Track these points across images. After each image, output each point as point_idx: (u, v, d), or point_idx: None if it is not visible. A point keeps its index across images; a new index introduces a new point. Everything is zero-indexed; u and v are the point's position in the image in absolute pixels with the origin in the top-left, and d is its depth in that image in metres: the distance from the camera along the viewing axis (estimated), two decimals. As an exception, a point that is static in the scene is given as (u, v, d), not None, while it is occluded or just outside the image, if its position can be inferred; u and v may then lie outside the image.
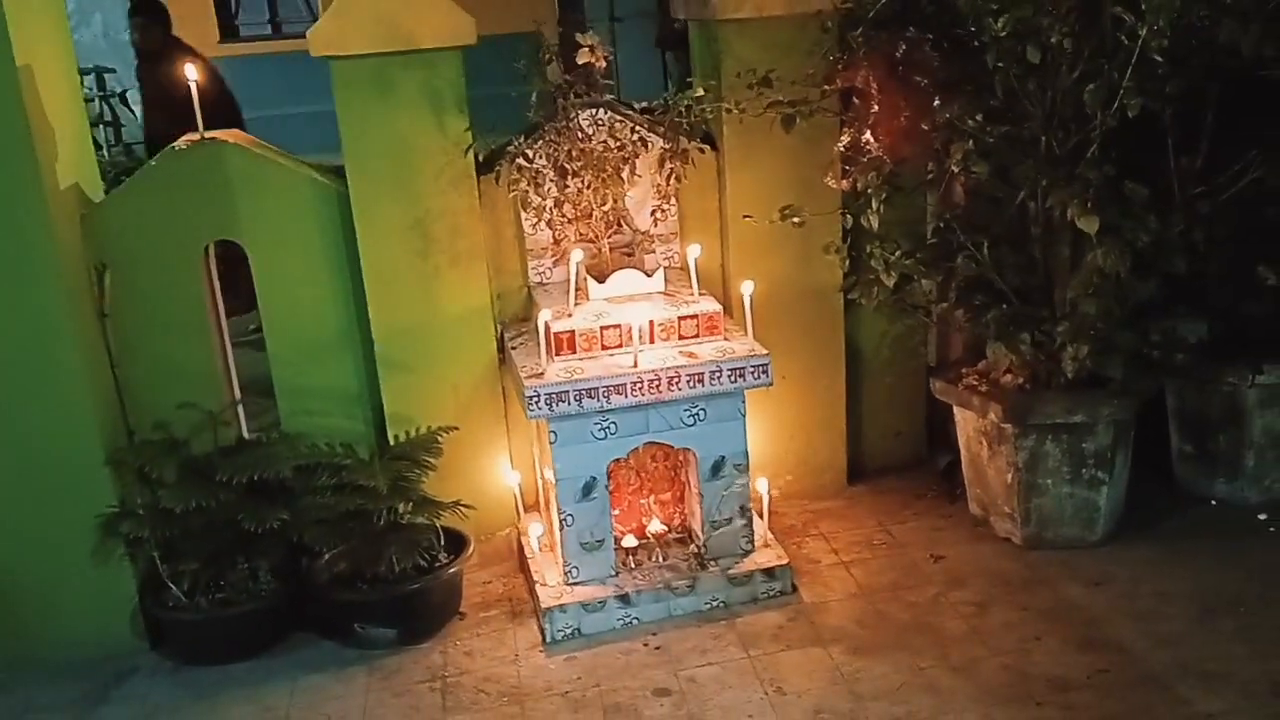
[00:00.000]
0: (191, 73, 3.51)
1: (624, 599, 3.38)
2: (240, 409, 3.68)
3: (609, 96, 3.54)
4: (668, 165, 3.55)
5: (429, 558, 3.43)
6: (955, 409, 3.80)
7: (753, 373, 3.31)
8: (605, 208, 3.55)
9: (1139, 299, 3.42)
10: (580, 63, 3.42)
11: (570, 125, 3.46)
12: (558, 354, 3.31)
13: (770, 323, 3.64)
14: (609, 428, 3.30)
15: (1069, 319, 3.42)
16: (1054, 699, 2.93)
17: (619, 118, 3.53)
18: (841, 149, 3.50)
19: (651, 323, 3.37)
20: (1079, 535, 3.64)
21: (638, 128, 3.55)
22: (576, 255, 3.47)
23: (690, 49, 3.92)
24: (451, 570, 3.47)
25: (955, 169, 3.38)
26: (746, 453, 3.44)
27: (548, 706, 3.06)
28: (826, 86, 3.46)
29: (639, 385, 3.24)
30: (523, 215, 3.59)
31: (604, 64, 3.44)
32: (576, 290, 3.45)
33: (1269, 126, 3.38)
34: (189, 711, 3.18)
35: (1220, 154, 3.44)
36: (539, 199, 3.52)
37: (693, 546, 3.58)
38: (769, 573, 3.48)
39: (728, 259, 3.82)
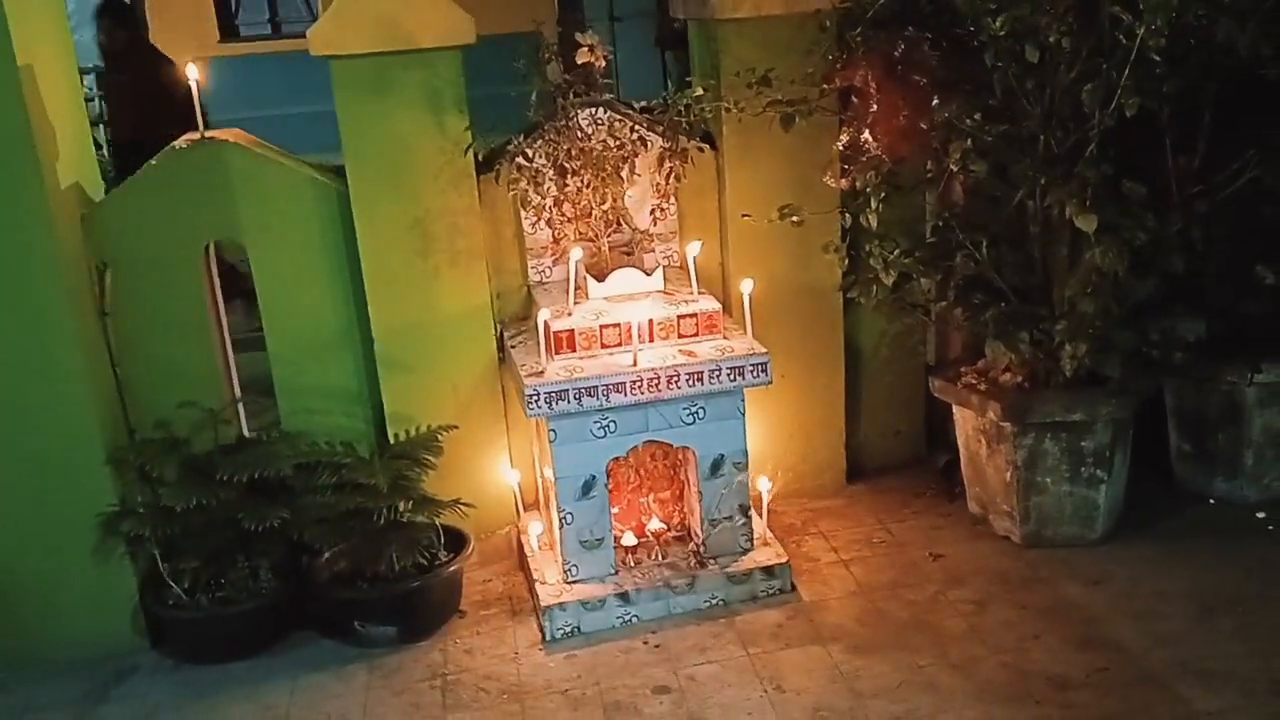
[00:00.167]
0: (192, 72, 3.52)
1: (623, 597, 3.39)
2: (240, 407, 3.69)
3: (608, 96, 3.54)
4: (667, 164, 3.56)
5: (429, 556, 3.44)
6: (954, 408, 3.80)
7: (752, 371, 3.31)
8: (605, 207, 3.56)
9: (1137, 298, 3.43)
10: (580, 62, 3.43)
11: (570, 124, 3.46)
12: (557, 353, 3.32)
13: (769, 322, 3.64)
14: (608, 426, 3.30)
15: (1067, 318, 3.42)
16: (1053, 697, 2.94)
17: (618, 117, 3.54)
18: (840, 148, 3.50)
19: (651, 321, 3.37)
20: (1078, 534, 3.65)
21: (637, 127, 3.55)
22: (576, 254, 3.47)
23: (689, 48, 3.93)
24: (451, 569, 3.48)
25: (954, 168, 3.38)
26: (746, 451, 3.44)
27: (547, 704, 3.07)
28: (825, 86, 3.46)
29: (638, 384, 3.25)
30: (522, 214, 3.60)
31: (603, 63, 3.44)
32: (576, 289, 3.46)
33: (1266, 125, 3.38)
34: (189, 710, 3.19)
35: (1218, 153, 3.45)
36: (538, 198, 3.53)
37: (692, 545, 3.58)
38: (768, 571, 3.48)
39: (727, 258, 3.83)
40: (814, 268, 3.84)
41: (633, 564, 3.51)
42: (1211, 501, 3.88)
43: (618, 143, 3.51)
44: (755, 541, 3.55)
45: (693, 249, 3.51)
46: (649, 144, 3.57)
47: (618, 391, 3.24)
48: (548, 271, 3.68)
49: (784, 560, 3.52)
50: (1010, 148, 3.36)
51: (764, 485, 3.63)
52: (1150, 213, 3.24)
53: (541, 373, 3.27)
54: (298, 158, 3.63)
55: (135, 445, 3.44)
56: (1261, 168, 3.36)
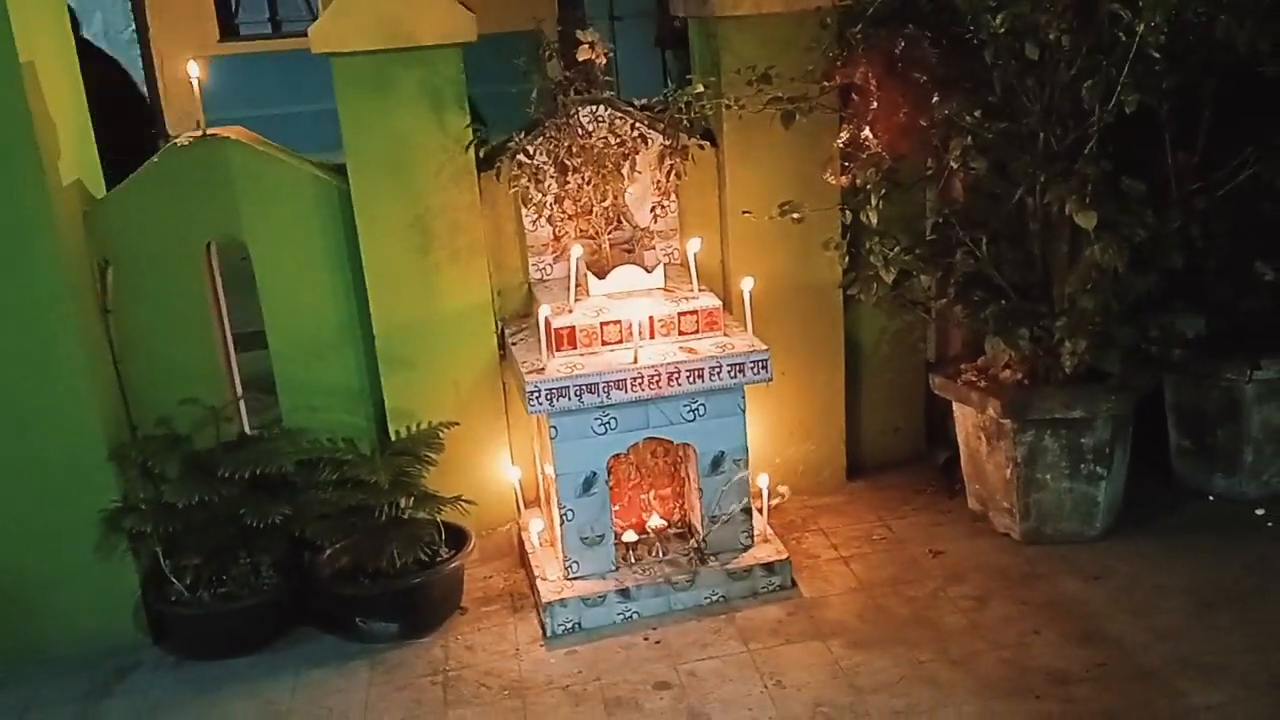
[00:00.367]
0: (194, 70, 3.52)
1: (624, 593, 3.39)
2: (242, 404, 3.69)
3: (609, 93, 3.55)
4: (667, 161, 3.56)
5: (430, 553, 3.45)
6: (954, 404, 3.81)
7: (752, 368, 3.32)
8: (605, 204, 3.57)
9: (1137, 294, 3.43)
10: (580, 60, 3.43)
11: (570, 122, 3.47)
12: (558, 349, 3.32)
13: (770, 319, 3.64)
14: (609, 423, 3.31)
15: (1067, 314, 3.43)
16: (1053, 692, 2.94)
17: (619, 114, 3.54)
18: (840, 145, 3.51)
19: (651, 318, 3.38)
20: (1078, 530, 3.65)
21: (638, 124, 3.56)
22: (576, 251, 3.47)
23: (690, 47, 3.93)
24: (453, 565, 3.48)
25: (954, 165, 3.38)
26: (746, 448, 3.45)
27: (549, 700, 3.08)
28: (825, 83, 3.47)
29: (639, 381, 3.26)
30: (523, 211, 3.61)
31: (604, 61, 3.45)
32: (577, 286, 3.46)
33: (1266, 122, 3.38)
34: (191, 706, 3.19)
35: (1217, 149, 3.45)
36: (539, 195, 3.54)
37: (693, 541, 3.59)
38: (769, 567, 3.49)
39: (727, 255, 3.83)
40: (814, 265, 3.84)
41: (633, 560, 3.51)
42: (1211, 498, 3.88)
43: (618, 140, 3.52)
44: (755, 538, 3.55)
45: (693, 246, 3.51)
46: (649, 141, 3.58)
47: (618, 388, 3.25)
48: (548, 268, 3.69)
49: (784, 557, 3.53)
50: (1010, 145, 3.36)
51: (764, 482, 3.64)
52: (1150, 209, 3.25)
53: (542, 369, 3.27)
54: (299, 156, 3.64)
55: (137, 442, 3.45)
56: (1261, 164, 3.36)
